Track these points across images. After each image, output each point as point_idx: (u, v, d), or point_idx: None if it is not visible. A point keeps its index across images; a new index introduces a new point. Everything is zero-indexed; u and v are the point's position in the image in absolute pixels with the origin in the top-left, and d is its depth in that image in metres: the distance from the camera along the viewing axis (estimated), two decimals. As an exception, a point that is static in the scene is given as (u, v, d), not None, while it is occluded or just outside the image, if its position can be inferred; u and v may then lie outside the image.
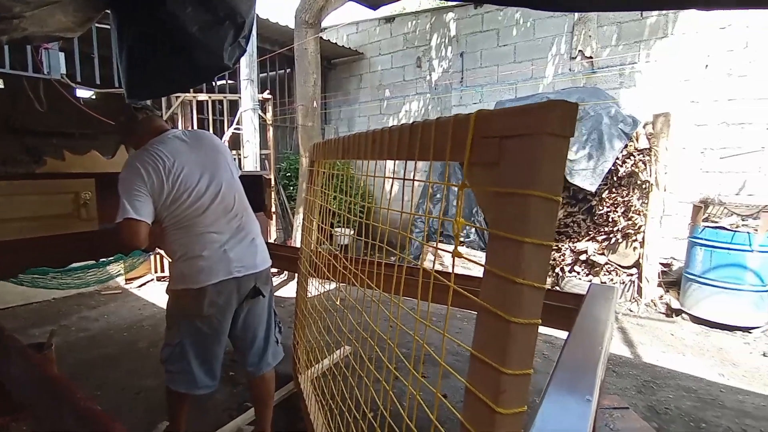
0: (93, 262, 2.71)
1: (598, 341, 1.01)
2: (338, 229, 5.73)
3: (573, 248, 4.28)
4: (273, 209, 4.89)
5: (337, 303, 1.63)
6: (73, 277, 2.84)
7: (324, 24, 7.34)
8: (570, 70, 4.63)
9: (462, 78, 5.60)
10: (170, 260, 1.61)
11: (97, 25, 4.07)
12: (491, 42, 5.28)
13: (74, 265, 2.71)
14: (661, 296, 3.91)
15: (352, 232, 5.93)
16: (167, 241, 1.57)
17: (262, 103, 4.72)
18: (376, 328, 1.14)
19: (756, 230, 3.17)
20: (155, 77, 2.52)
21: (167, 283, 1.65)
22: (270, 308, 1.82)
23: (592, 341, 1.03)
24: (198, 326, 1.59)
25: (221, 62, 2.40)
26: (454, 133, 0.76)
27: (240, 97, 3.81)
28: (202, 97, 4.49)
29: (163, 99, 4.52)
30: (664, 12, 4.08)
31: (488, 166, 0.66)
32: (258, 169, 4.00)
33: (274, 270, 4.56)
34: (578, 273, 4.27)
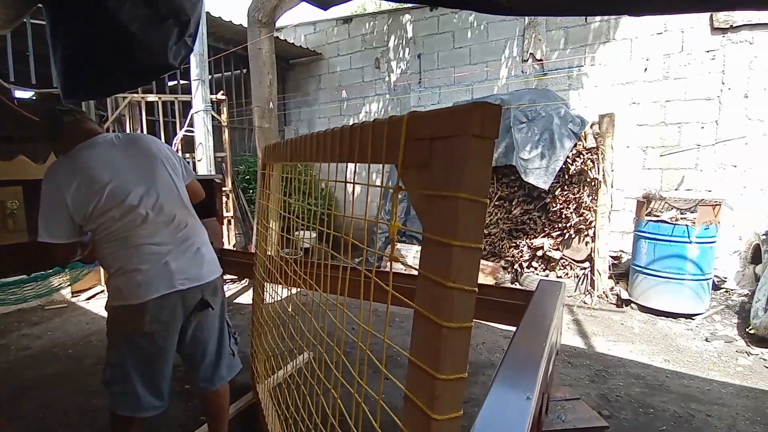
0: (25, 276, 2.50)
1: (542, 337, 1.04)
2: (300, 233, 5.63)
3: (530, 244, 4.43)
4: (231, 213, 4.72)
5: (289, 309, 1.59)
6: (6, 292, 2.62)
7: (280, 23, 7.20)
8: (522, 72, 4.79)
9: (420, 79, 5.66)
10: (106, 275, 1.50)
11: (32, 21, 3.77)
12: (447, 44, 5.37)
13: (4, 280, 2.49)
14: (612, 288, 4.13)
15: (314, 236, 5.84)
16: (101, 254, 1.46)
17: (217, 105, 4.55)
18: (343, 329, 1.11)
19: (694, 223, 3.41)
20: (94, 77, 2.37)
21: (106, 299, 1.54)
22: (222, 320, 1.73)
23: (536, 337, 1.05)
24: (140, 344, 1.49)
25: (166, 61, 2.30)
26: (389, 135, 0.75)
27: (192, 98, 3.65)
28: (152, 98, 4.27)
29: (109, 100, 4.27)
30: (606, 18, 4.32)
31: (420, 168, 0.66)
32: (213, 172, 3.85)
33: (232, 276, 4.40)
34: (536, 268, 4.42)
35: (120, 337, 1.50)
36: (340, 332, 0.92)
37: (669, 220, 3.47)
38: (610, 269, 4.21)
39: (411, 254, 4.77)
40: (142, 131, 4.20)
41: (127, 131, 4.27)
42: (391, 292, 0.75)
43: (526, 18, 4.67)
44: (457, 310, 0.56)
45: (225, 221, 4.71)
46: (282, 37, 6.75)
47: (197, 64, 3.50)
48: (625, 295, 3.86)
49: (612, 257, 4.38)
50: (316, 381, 1.19)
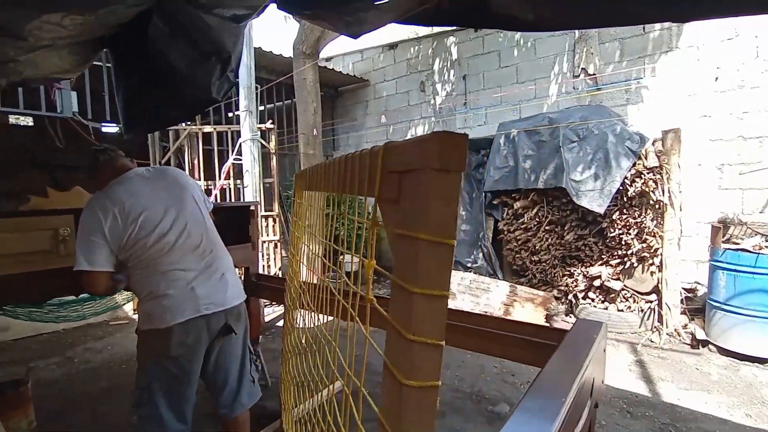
0: (85, 296, 2.74)
1: (564, 388, 0.91)
2: (344, 258, 5.69)
3: (586, 273, 4.09)
4: (276, 237, 4.90)
5: (302, 342, 1.56)
6: (69, 309, 2.87)
7: (330, 53, 7.57)
8: (574, 88, 4.56)
9: (465, 101, 5.60)
10: (137, 300, 1.58)
11: (107, 64, 4.29)
12: (493, 64, 5.29)
13: (67, 298, 2.74)
14: (685, 325, 3.66)
15: (358, 260, 5.87)
16: (133, 281, 1.55)
17: (266, 133, 4.82)
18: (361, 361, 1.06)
19: (783, 251, 2.95)
20: (149, 113, 2.60)
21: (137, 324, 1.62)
22: (244, 346, 1.76)
23: (557, 386, 0.93)
24: (166, 368, 1.55)
25: (209, 96, 2.46)
26: (369, 166, 0.71)
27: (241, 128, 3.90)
28: (208, 129, 4.63)
29: (170, 131, 4.68)
30: (667, 25, 4.01)
31: (392, 204, 0.61)
32: (259, 197, 4.04)
33: (266, 301, 4.51)
34: (593, 300, 4.06)
35: (148, 360, 1.56)
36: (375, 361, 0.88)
37: (751, 249, 3.03)
38: (682, 303, 3.74)
39: (456, 280, 4.61)
40: (198, 160, 4.54)
41: (186, 160, 4.64)
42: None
43: (577, 32, 4.48)
44: (418, 367, 0.50)
45: (271, 245, 4.89)
46: (331, 66, 7.08)
47: (245, 95, 3.75)
48: (701, 335, 3.40)
49: (685, 290, 3.90)
50: (344, 413, 1.15)
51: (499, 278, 4.61)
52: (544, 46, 4.83)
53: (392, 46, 6.56)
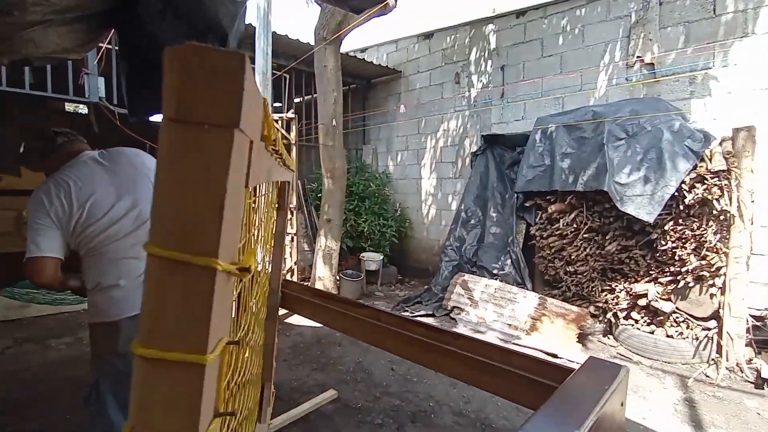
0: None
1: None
2: (366, 255, 5.49)
3: (629, 290, 3.62)
4: (294, 230, 4.79)
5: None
6: (64, 292, 2.88)
7: (364, 44, 7.38)
8: (627, 79, 4.05)
9: (503, 93, 5.20)
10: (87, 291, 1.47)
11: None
12: (535, 53, 4.85)
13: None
14: (750, 360, 3.11)
15: (381, 258, 5.67)
16: (83, 269, 1.45)
17: (288, 123, 4.72)
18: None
19: None
20: (150, 95, 2.52)
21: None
22: None
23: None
24: (114, 365, 1.44)
25: None
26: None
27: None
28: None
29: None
30: (741, 8, 3.43)
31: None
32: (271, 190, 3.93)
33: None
34: (637, 321, 3.58)
35: (96, 356, 1.46)
36: (379, 372, 0.68)
37: (844, 275, 2.48)
38: (748, 333, 3.19)
39: (479, 288, 4.27)
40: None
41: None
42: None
43: (633, 15, 3.97)
44: None
45: (288, 238, 4.80)
46: (365, 57, 6.90)
47: (261, 81, 3.64)
48: (767, 373, 2.87)
49: (753, 317, 3.33)
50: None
51: (527, 288, 4.22)
52: (594, 32, 4.34)
53: (427, 35, 6.26)
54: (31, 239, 1.33)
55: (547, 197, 4.14)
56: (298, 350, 3.19)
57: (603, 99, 4.24)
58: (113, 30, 2.45)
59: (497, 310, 4.01)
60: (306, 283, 5.16)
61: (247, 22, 4.60)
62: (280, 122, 4.61)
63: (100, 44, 2.79)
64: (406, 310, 4.39)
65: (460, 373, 1.37)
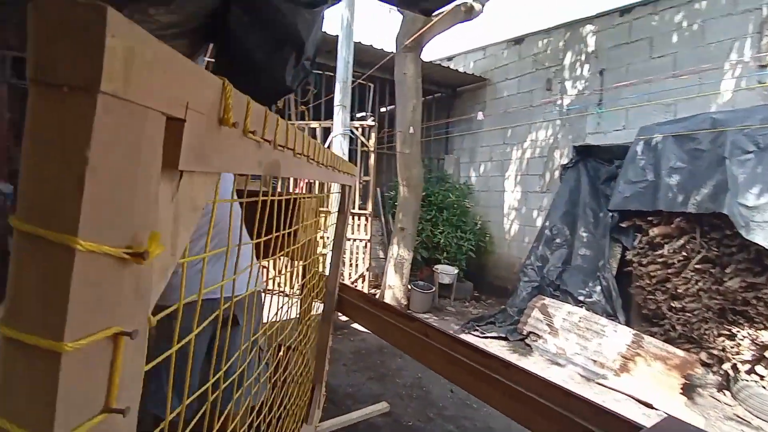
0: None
1: None
2: (440, 267, 5.36)
3: (755, 338, 2.97)
4: (367, 236, 4.87)
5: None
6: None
7: (451, 52, 7.32)
8: (759, 83, 3.38)
9: (601, 99, 4.71)
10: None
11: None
12: (641, 54, 4.31)
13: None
14: None
15: (456, 272, 5.47)
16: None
17: (366, 131, 4.84)
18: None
19: None
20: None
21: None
22: (251, 338, 1.67)
23: None
24: (169, 346, 1.56)
25: (283, 85, 2.48)
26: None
27: (333, 124, 3.97)
28: (314, 124, 4.87)
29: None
30: None
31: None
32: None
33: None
34: (762, 377, 2.92)
35: (155, 335, 1.60)
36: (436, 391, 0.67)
37: None
38: None
39: (561, 314, 3.88)
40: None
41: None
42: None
43: (766, 9, 3.31)
44: None
45: (360, 244, 4.89)
46: (452, 65, 6.82)
47: (340, 89, 3.78)
48: None
49: None
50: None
51: (619, 321, 3.71)
52: (717, 27, 3.72)
53: (518, 40, 5.98)
54: None
55: (649, 218, 3.62)
56: (359, 356, 3.20)
57: (728, 105, 3.60)
58: (211, 44, 2.76)
59: (580, 342, 3.59)
60: (376, 291, 5.20)
61: (332, 33, 4.84)
62: (360, 130, 4.76)
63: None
64: (476, 330, 4.16)
65: (508, 407, 1.22)
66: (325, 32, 5.04)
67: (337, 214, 2.05)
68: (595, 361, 3.39)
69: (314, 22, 2.49)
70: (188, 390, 1.44)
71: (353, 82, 5.48)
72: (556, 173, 5.25)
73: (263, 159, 0.58)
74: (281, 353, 1.54)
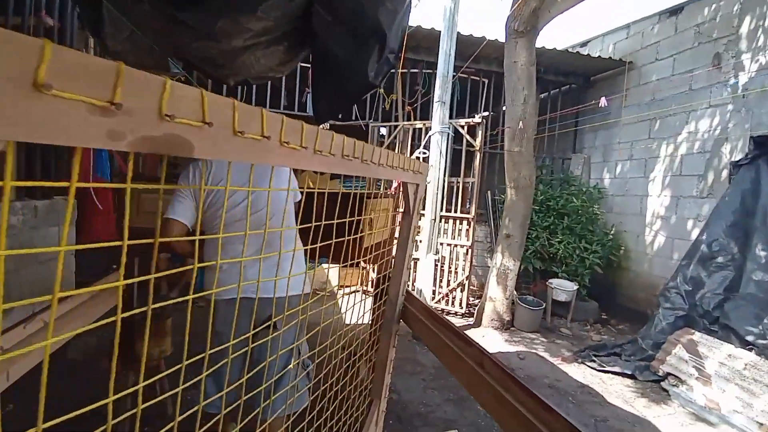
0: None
1: None
2: (555, 281, 4.69)
3: None
4: (468, 242, 4.55)
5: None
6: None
7: (584, 37, 6.43)
8: None
9: (797, 74, 3.52)
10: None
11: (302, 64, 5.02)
12: None
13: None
14: None
15: (576, 288, 4.71)
16: (202, 248, 1.66)
17: (473, 128, 4.52)
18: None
19: None
20: (325, 102, 2.84)
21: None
22: (292, 344, 1.61)
23: None
24: (211, 339, 1.60)
25: (367, 80, 2.43)
26: None
27: (431, 121, 3.78)
28: (419, 124, 4.76)
29: (390, 125, 5.08)
30: None
31: None
32: (440, 195, 3.77)
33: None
34: None
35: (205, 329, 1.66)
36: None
37: None
38: None
39: (717, 356, 2.99)
40: (408, 152, 4.74)
41: (396, 152, 4.94)
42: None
43: None
44: None
45: (461, 251, 4.58)
46: (586, 51, 5.98)
47: (440, 85, 3.56)
48: None
49: None
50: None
51: (813, 379, 2.68)
52: None
53: (675, 10, 4.89)
54: (170, 204, 1.57)
55: None
56: (441, 373, 2.95)
57: None
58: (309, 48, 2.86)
59: (743, 397, 2.69)
60: (476, 301, 4.83)
61: (430, 26, 4.65)
62: (465, 127, 4.47)
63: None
64: (594, 360, 3.48)
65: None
66: (421, 26, 4.87)
67: (402, 215, 1.89)
68: (761, 425, 2.50)
69: (397, 12, 2.36)
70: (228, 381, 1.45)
71: (463, 78, 5.22)
72: (724, 173, 4.12)
73: (124, 130, 0.46)
74: (337, 360, 1.44)
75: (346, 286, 4.91)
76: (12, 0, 2.31)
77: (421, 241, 3.81)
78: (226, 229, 1.57)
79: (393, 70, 4.88)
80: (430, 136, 3.74)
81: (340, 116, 4.70)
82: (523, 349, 3.62)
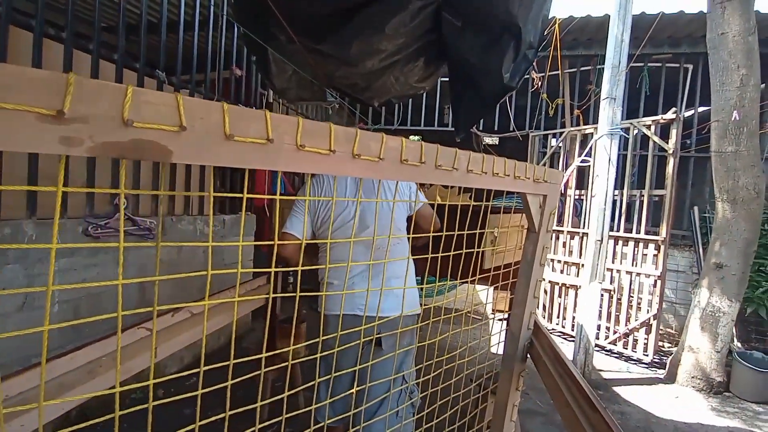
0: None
1: None
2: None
3: None
4: (659, 272, 3.62)
5: None
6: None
7: None
8: None
9: None
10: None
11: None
12: None
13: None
14: None
15: None
16: (317, 261, 1.72)
17: (665, 128, 3.64)
18: None
19: None
20: (461, 111, 2.74)
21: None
22: (397, 369, 1.51)
23: None
24: (322, 351, 1.62)
25: (502, 83, 2.25)
26: None
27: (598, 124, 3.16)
28: (589, 129, 4.13)
29: (557, 134, 4.56)
30: None
31: None
32: (607, 212, 3.09)
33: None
34: None
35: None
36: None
37: None
38: None
39: None
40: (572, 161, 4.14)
41: (560, 163, 4.39)
42: None
43: None
44: None
45: (646, 281, 3.67)
46: None
47: (609, 78, 2.95)
48: None
49: None
50: None
51: None
52: None
53: None
54: (288, 218, 1.68)
55: None
56: None
57: None
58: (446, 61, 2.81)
59: None
60: (671, 348, 3.77)
61: (603, 13, 3.98)
62: (653, 127, 3.63)
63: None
64: None
65: None
66: (590, 15, 4.22)
67: (526, 232, 1.62)
68: None
69: (533, 0, 2.12)
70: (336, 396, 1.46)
71: (657, 67, 4.34)
72: None
73: (81, 136, 0.48)
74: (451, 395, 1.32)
75: (499, 311, 4.54)
76: (210, 60, 3.02)
77: (583, 266, 3.21)
78: (340, 246, 1.61)
79: (554, 71, 4.37)
80: (595, 141, 3.17)
81: (475, 126, 4.47)
82: (738, 425, 2.62)
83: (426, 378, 1.38)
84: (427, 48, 2.67)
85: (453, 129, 3.16)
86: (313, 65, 2.76)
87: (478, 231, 1.34)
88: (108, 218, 2.00)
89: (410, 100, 5.39)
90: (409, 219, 1.74)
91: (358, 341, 1.49)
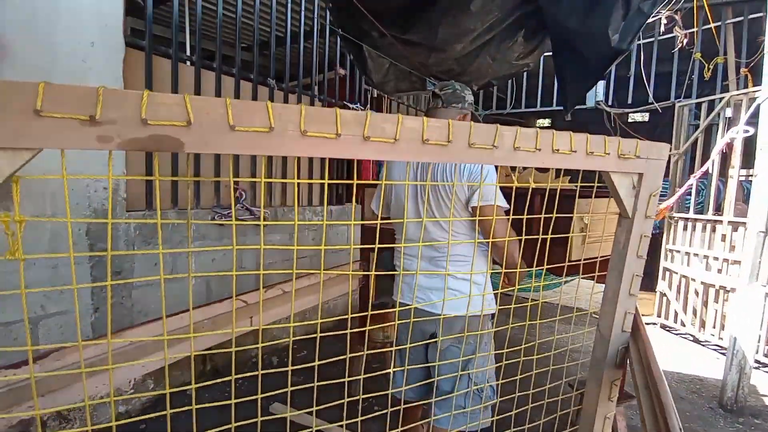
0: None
1: None
2: None
3: None
4: None
5: None
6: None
7: None
8: None
9: None
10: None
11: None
12: None
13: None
14: None
15: None
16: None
17: None
18: None
19: None
20: (567, 86, 2.51)
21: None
22: (464, 364, 1.45)
23: None
24: (398, 334, 1.66)
25: (609, 47, 2.00)
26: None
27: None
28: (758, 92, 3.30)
29: (706, 104, 3.78)
30: None
31: None
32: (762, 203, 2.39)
33: None
34: None
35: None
36: None
37: None
38: None
39: None
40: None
41: (718, 135, 3.61)
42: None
43: None
44: None
45: None
46: None
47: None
48: None
49: None
50: None
51: None
52: None
53: None
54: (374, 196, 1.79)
55: None
56: None
57: None
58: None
59: None
60: None
61: None
62: None
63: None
64: None
65: None
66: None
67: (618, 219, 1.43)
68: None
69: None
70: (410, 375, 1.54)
71: None
72: None
73: (112, 135, 0.63)
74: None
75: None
76: (317, 63, 3.32)
77: (739, 263, 2.60)
78: (401, 228, 1.61)
79: (708, 25, 3.60)
80: (759, 104, 2.53)
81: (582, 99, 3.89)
82: None
83: (513, 378, 1.31)
84: (523, 20, 2.49)
85: (561, 104, 2.88)
86: (407, 56, 2.82)
87: (552, 216, 1.20)
88: (229, 209, 2.39)
89: (524, 80, 5.05)
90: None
91: (419, 333, 1.52)
